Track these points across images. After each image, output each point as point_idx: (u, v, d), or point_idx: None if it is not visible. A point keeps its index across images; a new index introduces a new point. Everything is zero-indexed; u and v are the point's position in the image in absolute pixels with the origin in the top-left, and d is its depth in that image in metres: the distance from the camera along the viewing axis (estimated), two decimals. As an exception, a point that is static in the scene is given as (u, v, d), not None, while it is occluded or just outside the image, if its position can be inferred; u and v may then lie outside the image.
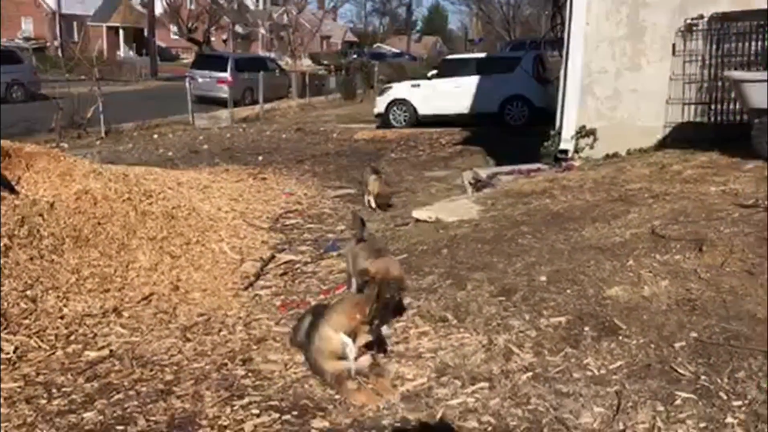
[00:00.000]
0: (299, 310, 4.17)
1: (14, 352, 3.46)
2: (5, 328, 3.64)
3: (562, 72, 8.14)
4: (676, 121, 7.78)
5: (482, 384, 3.08)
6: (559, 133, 8.06)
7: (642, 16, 7.64)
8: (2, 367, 3.29)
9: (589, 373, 3.08)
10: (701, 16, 7.56)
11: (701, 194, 5.48)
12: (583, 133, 7.90)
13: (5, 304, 3.87)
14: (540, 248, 4.73)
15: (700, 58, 7.67)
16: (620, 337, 3.34)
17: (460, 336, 3.58)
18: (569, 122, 7.97)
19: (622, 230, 4.84)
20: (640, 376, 3.00)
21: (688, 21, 7.59)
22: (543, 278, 4.16)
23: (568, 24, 7.87)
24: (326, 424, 2.83)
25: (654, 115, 7.78)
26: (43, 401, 3.02)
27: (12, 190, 5.32)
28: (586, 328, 3.48)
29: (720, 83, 7.57)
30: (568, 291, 3.95)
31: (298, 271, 5.21)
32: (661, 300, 3.68)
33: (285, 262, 5.41)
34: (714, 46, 7.58)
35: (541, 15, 45.33)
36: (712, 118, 7.73)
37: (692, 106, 7.75)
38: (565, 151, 7.94)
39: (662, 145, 7.67)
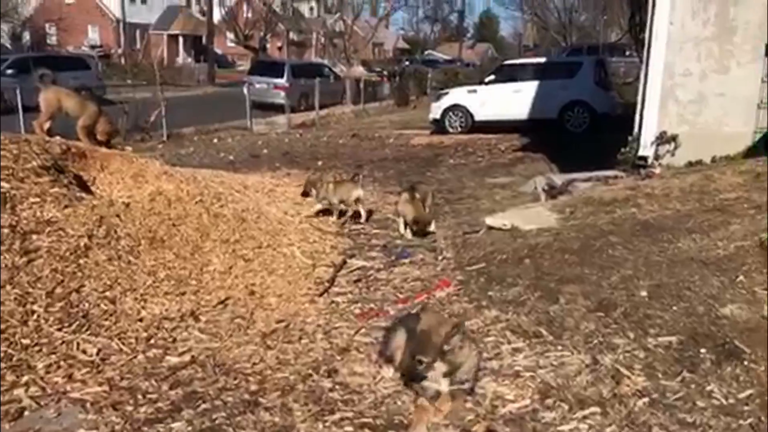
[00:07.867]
0: (378, 320, 3.99)
1: (97, 354, 3.37)
2: (87, 330, 3.57)
3: (641, 75, 7.73)
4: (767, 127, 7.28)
5: (593, 409, 2.82)
6: (638, 139, 7.64)
7: (732, 14, 7.16)
8: (87, 369, 3.21)
9: (715, 402, 2.78)
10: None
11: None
12: (663, 139, 7.46)
13: (87, 305, 3.82)
14: (634, 260, 4.41)
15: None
16: (745, 362, 3.02)
17: (558, 354, 3.32)
18: (649, 128, 7.55)
19: (725, 243, 4.47)
20: (776, 408, 2.68)
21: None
22: (643, 293, 3.86)
23: (650, 24, 7.46)
24: (426, 445, 2.62)
25: (742, 120, 7.29)
26: (130, 408, 2.90)
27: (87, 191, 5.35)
28: (703, 350, 3.17)
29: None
30: (674, 308, 3.63)
31: (372, 278, 5.03)
32: (786, 321, 3.33)
33: (357, 268, 5.25)
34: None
35: (598, 20, 44.20)
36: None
37: (786, 111, 7.25)
38: (645, 158, 7.52)
39: (751, 152, 7.16)
